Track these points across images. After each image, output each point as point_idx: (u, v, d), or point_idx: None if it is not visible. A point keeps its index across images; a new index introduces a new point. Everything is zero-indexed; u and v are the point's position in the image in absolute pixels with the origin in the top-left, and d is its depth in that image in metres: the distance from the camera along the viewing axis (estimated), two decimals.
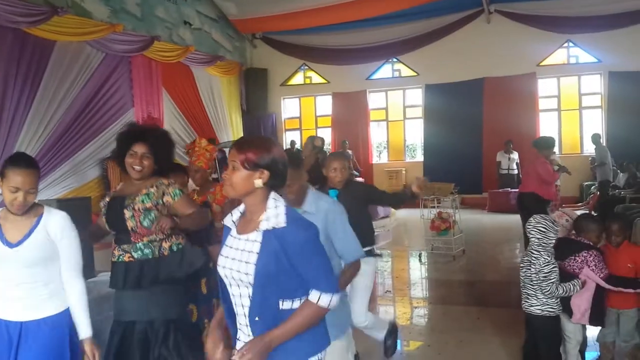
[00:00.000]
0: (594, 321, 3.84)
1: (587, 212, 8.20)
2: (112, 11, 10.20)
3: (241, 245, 2.09)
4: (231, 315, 2.17)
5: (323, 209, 2.94)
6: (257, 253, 2.03)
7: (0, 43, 7.78)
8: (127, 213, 3.18)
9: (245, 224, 2.13)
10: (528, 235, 3.79)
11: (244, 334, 2.11)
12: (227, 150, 12.44)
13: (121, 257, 3.22)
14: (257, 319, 2.03)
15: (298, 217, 2.11)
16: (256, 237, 2.05)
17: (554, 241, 3.68)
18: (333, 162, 4.06)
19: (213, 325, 2.30)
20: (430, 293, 6.92)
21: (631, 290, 3.74)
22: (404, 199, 4.48)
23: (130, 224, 3.17)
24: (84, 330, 2.64)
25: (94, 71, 9.66)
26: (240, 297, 2.09)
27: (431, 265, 8.02)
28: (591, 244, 3.84)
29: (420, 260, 8.21)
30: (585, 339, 3.96)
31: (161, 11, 11.69)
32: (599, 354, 4.22)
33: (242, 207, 2.18)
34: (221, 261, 2.13)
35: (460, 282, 7.22)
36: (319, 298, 2.05)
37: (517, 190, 9.49)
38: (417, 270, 8.06)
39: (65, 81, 9.02)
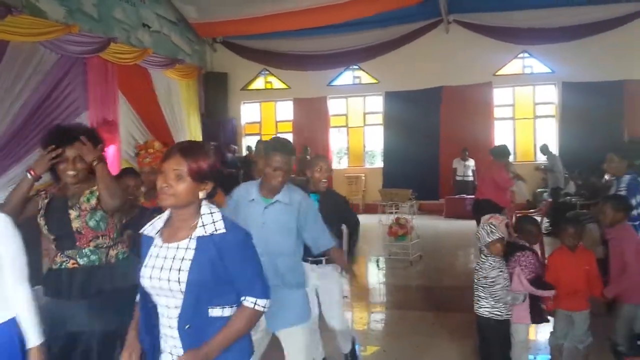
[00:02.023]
0: (535, 319, 3.95)
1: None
2: (67, 11, 9.93)
3: (170, 253, 2.01)
4: (149, 328, 2.07)
5: (296, 201, 3.13)
6: (191, 260, 1.97)
7: None
8: (73, 213, 3.06)
9: (173, 233, 2.05)
10: (478, 239, 3.89)
11: (169, 345, 2.04)
12: None
13: (64, 263, 3.06)
14: (187, 327, 1.97)
15: (234, 223, 2.08)
16: (189, 244, 1.99)
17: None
18: (320, 162, 4.16)
19: (130, 337, 2.21)
20: (387, 298, 6.96)
21: (546, 293, 3.86)
22: (355, 239, 4.47)
23: (75, 224, 3.04)
24: (32, 338, 2.47)
25: (47, 72, 9.35)
26: (168, 308, 2.02)
27: (389, 270, 8.09)
28: (526, 244, 3.96)
29: (378, 265, 8.26)
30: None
31: (119, 13, 11.47)
32: (550, 356, 4.32)
33: (165, 215, 2.09)
34: (146, 272, 2.03)
35: (417, 287, 7.30)
36: (256, 303, 2.04)
37: (472, 196, 9.68)
38: (375, 276, 8.10)
39: (17, 82, 8.70)
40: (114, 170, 9.24)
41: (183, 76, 13.64)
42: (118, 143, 10.65)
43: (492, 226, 3.77)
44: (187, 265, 1.96)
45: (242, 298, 2.05)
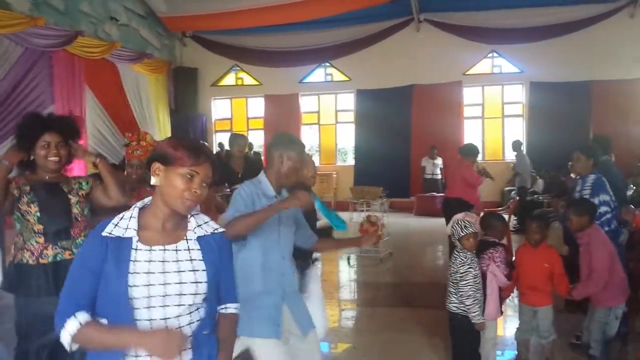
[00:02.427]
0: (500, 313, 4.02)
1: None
2: (33, 4, 9.70)
3: (170, 256, 1.83)
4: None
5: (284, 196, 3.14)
6: (202, 260, 1.87)
7: None
8: (73, 199, 2.99)
9: (165, 235, 1.86)
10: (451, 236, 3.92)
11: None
12: None
13: (59, 255, 2.95)
14: (205, 332, 1.87)
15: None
16: (189, 245, 1.88)
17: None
18: (310, 161, 4.10)
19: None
20: (358, 295, 6.97)
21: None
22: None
23: (75, 210, 2.99)
24: None
25: (12, 66, 9.13)
26: (178, 318, 1.82)
27: (359, 268, 8.11)
28: (496, 241, 4.02)
29: (348, 263, 8.27)
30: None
31: (86, 6, 11.22)
32: (516, 352, 4.38)
33: (135, 215, 1.85)
34: (139, 280, 1.77)
35: (387, 284, 7.32)
36: (237, 307, 2.03)
37: (442, 194, 9.76)
38: (346, 273, 8.11)
39: None
40: (81, 166, 9.07)
41: (152, 71, 13.44)
42: (85, 138, 10.42)
43: (467, 221, 3.80)
44: (200, 265, 1.86)
45: (226, 306, 2.00)
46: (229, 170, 6.18)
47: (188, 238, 1.88)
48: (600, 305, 3.90)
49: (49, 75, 9.99)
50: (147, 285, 1.77)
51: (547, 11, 12.79)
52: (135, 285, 1.76)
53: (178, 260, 1.83)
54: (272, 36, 14.20)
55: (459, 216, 3.87)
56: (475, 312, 3.67)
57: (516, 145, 11.30)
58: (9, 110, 9.08)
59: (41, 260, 2.94)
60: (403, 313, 5.77)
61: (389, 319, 5.63)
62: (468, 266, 3.72)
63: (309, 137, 15.70)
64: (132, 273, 1.76)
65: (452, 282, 3.78)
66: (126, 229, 1.81)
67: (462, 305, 3.73)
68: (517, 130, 14.06)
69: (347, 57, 14.24)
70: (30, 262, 2.95)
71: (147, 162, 1.87)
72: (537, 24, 12.96)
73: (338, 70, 14.79)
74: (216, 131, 15.65)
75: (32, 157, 3.01)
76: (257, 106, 15.49)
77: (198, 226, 1.92)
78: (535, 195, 10.58)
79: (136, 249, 1.80)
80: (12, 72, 9.14)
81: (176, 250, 1.85)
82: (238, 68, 15.29)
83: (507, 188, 12.51)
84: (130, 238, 1.80)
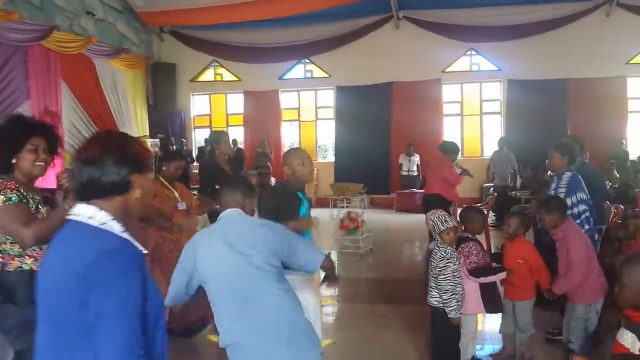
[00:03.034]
0: (491, 309, 4.02)
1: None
2: None
3: None
4: None
5: None
6: None
7: None
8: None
9: None
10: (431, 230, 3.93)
11: None
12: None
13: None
14: None
15: None
16: None
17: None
18: (300, 154, 3.87)
19: None
20: (338, 291, 6.96)
21: (492, 278, 3.96)
22: None
23: None
24: None
25: None
26: None
27: (340, 264, 8.09)
28: (469, 236, 4.05)
29: None
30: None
31: (62, 0, 11.03)
32: (499, 346, 4.42)
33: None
34: None
35: (367, 280, 7.34)
36: None
37: (422, 191, 9.80)
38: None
39: None
40: (59, 163, 8.92)
41: (129, 66, 13.26)
42: (62, 135, 10.24)
43: (447, 216, 3.82)
44: None
45: None
46: (219, 170, 6.05)
47: None
48: (580, 301, 3.92)
49: (24, 70, 9.81)
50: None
51: (525, 9, 12.94)
52: None
53: None
54: (252, 32, 14.12)
55: (436, 211, 3.89)
56: (452, 306, 3.68)
57: (501, 143, 11.43)
58: None
59: (34, 267, 2.79)
60: (384, 309, 5.78)
61: (369, 315, 5.64)
62: (447, 260, 3.73)
63: (289, 134, 15.68)
64: None
65: (432, 277, 3.79)
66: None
67: (441, 300, 3.74)
68: (495, 127, 14.19)
69: (327, 53, 14.23)
70: (35, 267, 2.76)
71: None
72: (514, 22, 13.10)
73: (318, 66, 14.76)
74: (195, 127, 15.52)
75: (13, 161, 2.82)
76: (236, 102, 15.39)
77: None
78: (513, 192, 10.68)
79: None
80: None
81: None
82: (217, 64, 15.17)
83: (486, 184, 12.61)
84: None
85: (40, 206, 2.83)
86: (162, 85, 14.52)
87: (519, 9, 12.93)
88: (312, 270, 2.84)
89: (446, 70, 14.02)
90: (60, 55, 10.62)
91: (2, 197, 2.68)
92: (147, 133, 13.41)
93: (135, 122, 13.46)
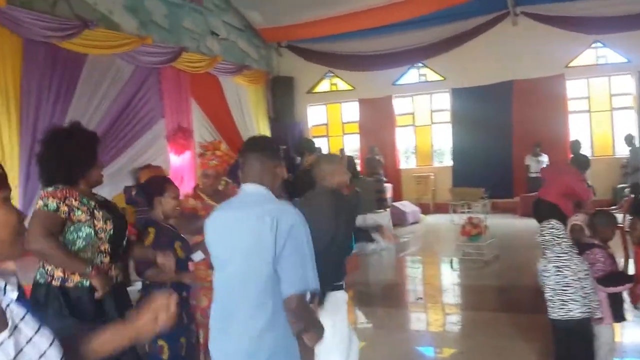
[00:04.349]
0: (616, 318, 3.81)
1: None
2: (140, 23, 10.35)
3: None
4: None
5: None
6: None
7: (33, 57, 7.88)
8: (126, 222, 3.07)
9: None
10: (552, 240, 3.75)
11: None
12: None
13: (119, 277, 2.98)
14: None
15: None
16: None
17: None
18: (333, 158, 3.86)
19: None
20: (462, 299, 6.86)
21: (621, 288, 3.73)
22: None
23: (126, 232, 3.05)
24: None
25: (124, 83, 9.73)
26: None
27: (463, 271, 7.95)
28: (594, 242, 3.84)
29: (451, 266, 8.15)
30: None
31: (188, 22, 11.85)
32: None
33: None
34: None
35: (493, 288, 7.15)
36: None
37: None
38: (449, 277, 8.00)
39: (97, 93, 9.09)
40: (191, 177, 9.57)
41: (251, 81, 13.94)
42: (192, 149, 11.01)
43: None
44: None
45: None
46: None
47: None
48: None
49: (158, 90, 10.61)
50: None
51: None
52: None
53: None
54: (365, 40, 14.26)
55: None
56: (596, 310, 3.57)
57: (629, 139, 10.60)
58: (125, 123, 9.72)
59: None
60: (510, 318, 5.62)
61: (496, 324, 5.51)
62: (583, 263, 3.62)
63: (404, 139, 15.63)
64: None
65: (568, 288, 3.62)
66: None
67: (585, 308, 3.58)
68: (628, 123, 13.17)
69: (441, 55, 14.00)
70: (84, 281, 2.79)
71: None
72: None
73: (432, 70, 14.59)
74: (313, 137, 15.95)
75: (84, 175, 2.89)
76: (351, 111, 15.63)
77: None
78: None
79: None
80: (125, 89, 9.76)
81: None
82: (332, 74, 15.50)
83: (620, 185, 11.77)
84: None
85: (96, 211, 2.87)
86: (281, 98, 15.10)
87: None
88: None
89: (570, 65, 13.26)
90: (189, 74, 11.40)
91: (42, 202, 2.76)
92: None
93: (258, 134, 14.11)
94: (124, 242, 3.00)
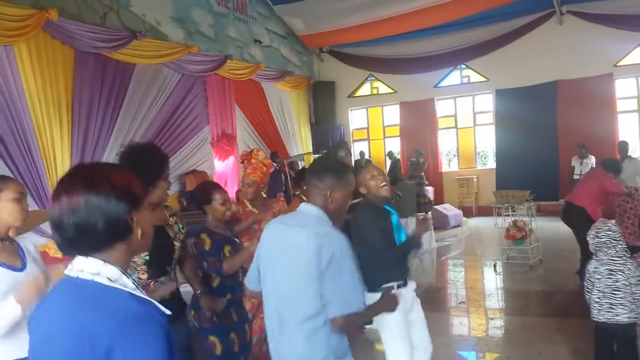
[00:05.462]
0: None
1: None
2: (187, 33, 10.65)
3: None
4: None
5: None
6: None
7: (84, 67, 8.16)
8: (177, 244, 3.06)
9: None
10: (609, 242, 3.71)
11: None
12: (299, 162, 12.68)
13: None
14: None
15: None
16: None
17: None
18: (368, 166, 3.84)
19: None
20: (506, 304, 6.80)
21: None
22: None
23: (176, 255, 3.06)
24: None
25: (171, 91, 10.00)
26: None
27: (507, 275, 7.87)
28: None
29: (495, 270, 8.08)
30: None
31: (232, 31, 12.12)
32: None
33: None
34: None
35: (538, 292, 7.05)
36: None
37: None
38: (492, 281, 7.94)
39: (145, 101, 9.37)
40: (234, 182, 9.70)
41: (293, 87, 14.13)
42: (236, 155, 11.24)
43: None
44: None
45: None
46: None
47: None
48: None
49: (203, 98, 10.90)
50: None
51: None
52: None
53: None
54: (406, 43, 14.26)
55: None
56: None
57: None
58: (172, 130, 10.01)
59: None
60: (556, 323, 5.55)
61: (541, 328, 5.46)
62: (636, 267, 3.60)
63: (446, 142, 15.53)
64: None
65: (618, 292, 3.60)
66: None
67: (633, 312, 3.55)
68: None
69: (484, 57, 13.87)
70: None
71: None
72: None
73: (475, 71, 14.45)
74: (354, 140, 16.02)
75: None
76: (392, 114, 15.62)
77: None
78: None
79: None
80: (172, 96, 10.05)
81: None
82: (373, 78, 15.54)
83: None
84: None
85: None
86: (322, 102, 15.26)
87: None
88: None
89: (619, 63, 12.91)
90: (233, 82, 11.66)
91: None
92: (311, 150, 14.12)
93: (300, 139, 14.30)
94: (173, 259, 3.08)
